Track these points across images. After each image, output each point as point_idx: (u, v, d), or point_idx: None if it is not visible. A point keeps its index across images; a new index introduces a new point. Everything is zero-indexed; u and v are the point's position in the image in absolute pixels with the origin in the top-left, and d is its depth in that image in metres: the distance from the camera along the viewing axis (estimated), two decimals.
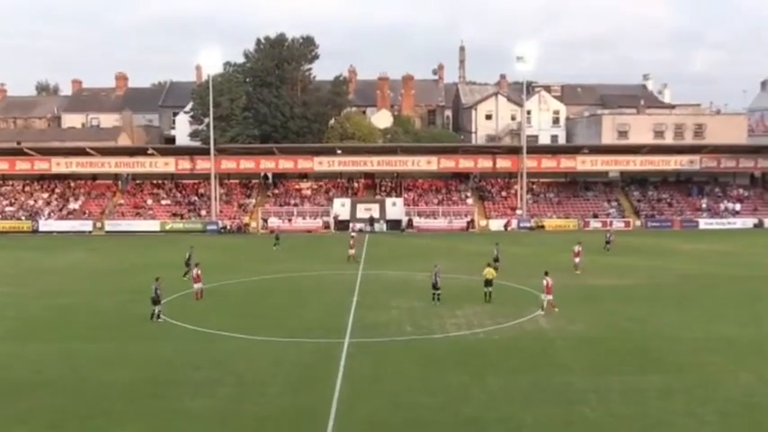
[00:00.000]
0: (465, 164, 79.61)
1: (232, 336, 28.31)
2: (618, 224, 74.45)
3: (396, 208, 76.06)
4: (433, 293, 34.42)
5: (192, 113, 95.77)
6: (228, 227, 73.35)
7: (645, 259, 50.29)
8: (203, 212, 76.77)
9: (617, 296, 36.21)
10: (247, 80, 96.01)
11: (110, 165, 79.53)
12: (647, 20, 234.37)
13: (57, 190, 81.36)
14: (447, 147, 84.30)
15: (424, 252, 51.43)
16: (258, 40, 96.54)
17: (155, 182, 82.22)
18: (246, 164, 79.12)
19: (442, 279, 35.17)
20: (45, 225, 74.30)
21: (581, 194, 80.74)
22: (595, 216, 75.40)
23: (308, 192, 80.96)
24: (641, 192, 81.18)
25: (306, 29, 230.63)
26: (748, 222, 74.85)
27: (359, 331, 28.88)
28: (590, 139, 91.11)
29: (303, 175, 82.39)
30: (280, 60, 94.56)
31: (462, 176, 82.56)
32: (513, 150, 79.45)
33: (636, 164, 79.27)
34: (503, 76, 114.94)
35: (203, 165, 77.01)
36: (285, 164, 79.55)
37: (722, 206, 77.65)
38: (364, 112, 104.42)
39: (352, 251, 50.09)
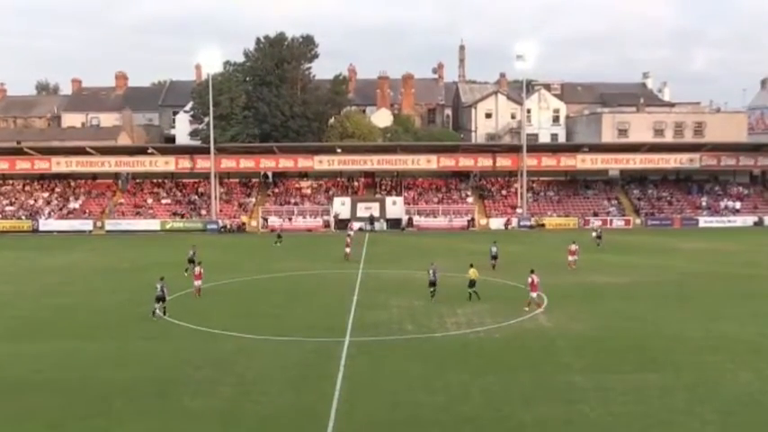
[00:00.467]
0: (465, 162, 79.62)
1: (232, 335, 28.32)
2: (618, 222, 74.52)
3: (396, 207, 76.06)
4: (431, 291, 34.76)
5: (191, 113, 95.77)
6: (228, 226, 73.36)
7: (645, 258, 50.29)
8: (203, 212, 76.79)
9: (617, 295, 36.22)
10: (247, 79, 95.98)
11: (110, 164, 79.52)
12: (647, 18, 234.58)
13: (57, 189, 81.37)
14: (447, 146, 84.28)
15: (425, 251, 51.38)
16: (258, 40, 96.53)
17: (155, 181, 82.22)
18: (246, 163, 79.14)
19: (439, 277, 35.34)
20: (45, 224, 74.31)
21: (581, 193, 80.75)
22: (595, 214, 75.40)
23: (308, 191, 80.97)
24: (641, 190, 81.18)
25: (305, 28, 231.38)
26: (748, 220, 74.87)
27: (359, 330, 28.89)
28: (590, 138, 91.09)
29: (303, 174, 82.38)
30: (279, 59, 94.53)
31: (462, 175, 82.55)
32: (513, 149, 79.44)
33: (636, 162, 79.29)
34: (502, 75, 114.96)
35: (203, 164, 77.01)
36: (285, 163, 79.56)
37: (722, 204, 77.65)
38: (364, 111, 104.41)
39: (348, 249, 50.46)
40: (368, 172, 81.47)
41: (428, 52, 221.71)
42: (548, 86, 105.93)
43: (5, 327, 30.57)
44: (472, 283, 34.64)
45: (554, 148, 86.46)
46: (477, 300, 34.05)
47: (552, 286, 37.70)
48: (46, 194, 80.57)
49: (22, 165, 79.65)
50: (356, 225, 69.97)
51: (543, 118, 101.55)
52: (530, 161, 76.87)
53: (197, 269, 37.66)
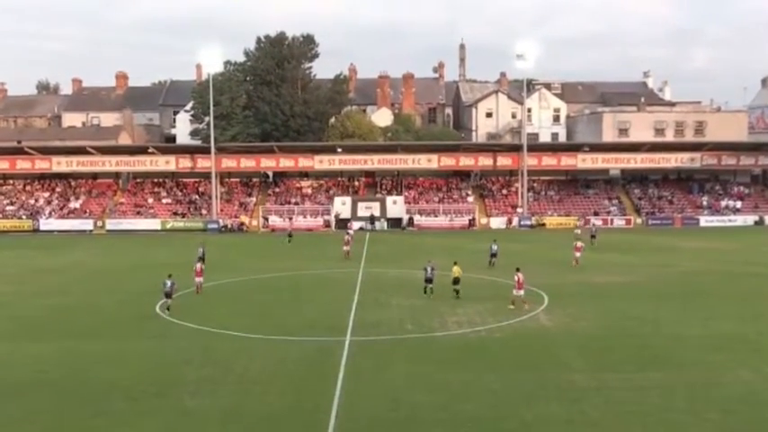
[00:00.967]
0: (465, 162, 79.66)
1: (233, 334, 28.31)
2: (619, 222, 74.56)
3: (396, 206, 76.09)
4: (428, 287, 35.22)
5: (192, 112, 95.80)
6: (229, 225, 73.39)
7: (646, 257, 50.29)
8: (204, 211, 76.82)
9: (618, 294, 36.21)
10: (248, 79, 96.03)
11: (110, 164, 79.62)
12: (647, 17, 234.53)
13: (57, 189, 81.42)
14: (448, 145, 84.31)
15: (425, 250, 51.34)
16: (258, 39, 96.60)
17: (155, 181, 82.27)
18: (247, 162, 79.22)
19: (436, 274, 35.60)
20: (46, 224, 74.38)
21: (582, 192, 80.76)
22: (596, 214, 75.41)
23: (309, 190, 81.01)
24: (642, 189, 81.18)
25: (306, 27, 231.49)
26: (749, 220, 74.89)
27: (360, 330, 28.87)
28: (590, 137, 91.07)
29: (304, 174, 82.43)
30: (280, 59, 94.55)
31: (463, 174, 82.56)
32: (514, 148, 79.46)
33: (636, 161, 79.33)
34: (503, 74, 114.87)
35: (204, 163, 77.07)
36: (286, 162, 79.62)
37: (723, 203, 77.65)
38: (365, 111, 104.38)
39: (347, 248, 50.73)
40: (368, 171, 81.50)
41: (428, 51, 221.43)
42: (548, 86, 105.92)
43: (5, 327, 30.55)
44: (456, 281, 34.97)
45: (555, 148, 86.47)
46: (458, 297, 34.39)
47: (553, 285, 37.77)
48: (46, 194, 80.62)
49: (23, 164, 79.73)
50: (356, 225, 69.99)
51: (544, 117, 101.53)
52: (530, 160, 76.87)
53: (198, 266, 37.85)
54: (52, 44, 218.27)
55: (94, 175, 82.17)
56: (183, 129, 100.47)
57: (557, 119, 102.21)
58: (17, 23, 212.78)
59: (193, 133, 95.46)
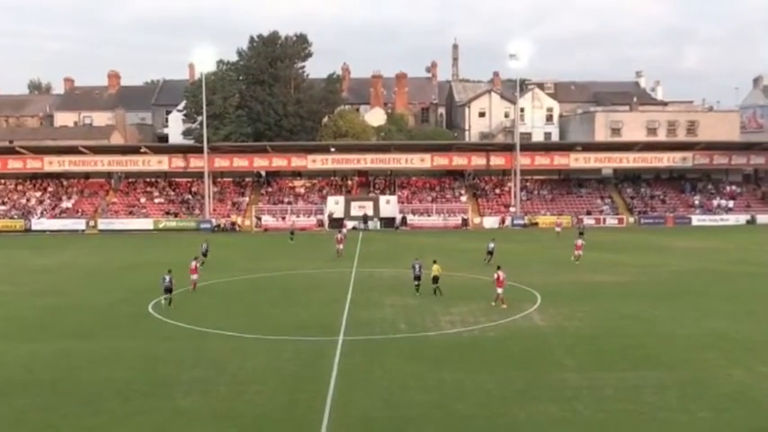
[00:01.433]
0: (458, 161, 79.75)
1: (226, 334, 28.26)
2: (611, 221, 74.75)
3: (390, 206, 76.12)
4: (416, 285, 35.67)
5: (185, 112, 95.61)
6: (222, 225, 73.27)
7: (638, 256, 50.42)
8: (197, 211, 76.66)
9: (611, 293, 36.28)
10: (240, 78, 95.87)
11: (102, 163, 79.42)
12: (640, 17, 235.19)
13: (49, 189, 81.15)
14: (440, 144, 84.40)
15: (418, 250, 51.33)
16: (251, 38, 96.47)
17: (148, 180, 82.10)
18: (240, 162, 79.11)
19: (424, 272, 35.95)
20: (38, 224, 74.14)
21: (574, 191, 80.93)
22: (589, 213, 75.59)
23: (302, 190, 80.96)
24: (634, 189, 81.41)
25: (299, 27, 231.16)
26: (741, 219, 75.20)
27: (353, 329, 28.86)
28: (583, 137, 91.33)
29: (297, 174, 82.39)
30: (273, 58, 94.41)
31: (456, 174, 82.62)
32: (507, 148, 79.57)
33: (629, 161, 79.60)
34: (496, 74, 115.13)
35: (196, 163, 76.93)
36: (279, 162, 79.56)
37: (715, 203, 77.93)
38: (358, 110, 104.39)
39: (339, 246, 51.19)
40: (361, 171, 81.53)
41: (421, 51, 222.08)
42: (541, 85, 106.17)
43: None
44: (435, 280, 35.24)
45: (547, 147, 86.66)
46: (436, 294, 34.62)
47: (546, 285, 37.85)
48: (38, 194, 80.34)
49: (15, 164, 79.44)
50: (350, 225, 70.03)
51: (537, 117, 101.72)
52: (523, 160, 76.99)
53: (193, 263, 37.84)
54: (44, 43, 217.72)
55: (86, 175, 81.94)
56: (175, 128, 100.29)
57: (549, 118, 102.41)
58: (8, 23, 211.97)
59: (186, 133, 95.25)
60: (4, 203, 78.39)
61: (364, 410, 19.87)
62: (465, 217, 74.47)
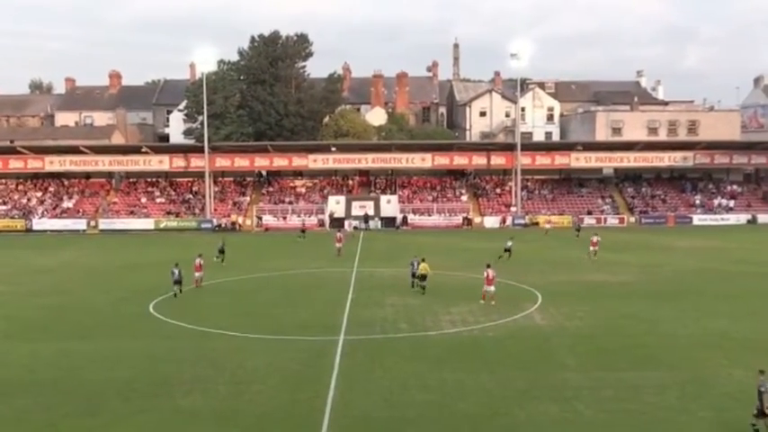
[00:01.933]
0: (459, 161, 79.75)
1: (227, 334, 28.26)
2: (612, 221, 74.75)
3: (390, 205, 76.14)
4: (413, 282, 36.08)
5: (185, 111, 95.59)
6: (223, 225, 73.28)
7: (639, 256, 50.39)
8: (198, 210, 76.68)
9: (611, 293, 36.27)
10: (241, 78, 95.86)
11: (103, 163, 79.44)
12: (640, 16, 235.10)
13: (50, 188, 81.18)
14: (441, 144, 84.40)
15: (419, 249, 51.33)
16: (252, 38, 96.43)
17: (149, 180, 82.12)
18: (241, 162, 79.12)
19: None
20: (39, 224, 74.18)
21: (575, 191, 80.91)
22: (589, 213, 75.57)
23: (303, 189, 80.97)
24: (635, 188, 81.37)
25: (300, 26, 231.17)
26: (742, 218, 75.18)
27: (354, 329, 28.85)
28: (584, 136, 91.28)
29: (298, 173, 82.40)
30: (274, 58, 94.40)
31: (457, 173, 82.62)
32: (508, 147, 79.57)
33: (630, 160, 79.58)
34: (497, 73, 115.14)
35: (197, 163, 76.94)
36: (280, 162, 79.56)
37: (716, 202, 77.91)
38: (358, 110, 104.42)
39: (339, 245, 51.53)
40: (362, 170, 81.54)
41: (422, 51, 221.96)
42: (542, 85, 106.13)
43: None
44: (422, 278, 35.45)
45: (548, 147, 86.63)
46: (422, 294, 35.05)
47: (547, 284, 37.84)
48: (39, 194, 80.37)
49: (16, 164, 79.47)
50: (348, 226, 70.08)
51: (537, 116, 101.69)
52: (524, 159, 76.99)
53: (197, 261, 38.07)
54: (45, 43, 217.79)
55: (87, 175, 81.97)
56: (176, 128, 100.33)
57: (550, 118, 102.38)
58: (10, 22, 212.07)
59: (187, 132, 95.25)
60: (5, 203, 78.43)
61: (365, 410, 19.87)
62: (468, 216, 74.45)
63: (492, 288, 32.99)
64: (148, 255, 53.60)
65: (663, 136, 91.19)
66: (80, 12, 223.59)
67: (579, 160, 79.14)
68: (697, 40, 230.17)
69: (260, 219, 74.57)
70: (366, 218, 73.23)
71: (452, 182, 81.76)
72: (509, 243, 47.88)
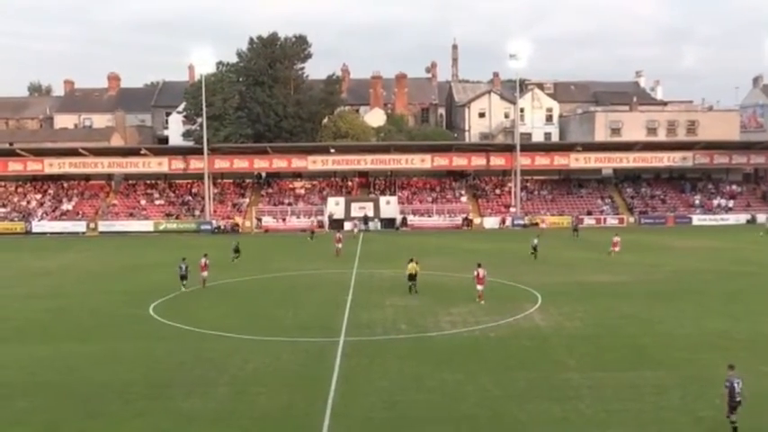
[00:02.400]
0: (459, 162, 79.72)
1: (226, 335, 28.26)
2: (611, 221, 74.72)
3: (390, 206, 76.12)
4: (410, 286, 35.95)
5: (184, 113, 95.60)
6: (223, 227, 73.24)
7: (638, 256, 50.36)
8: (197, 212, 76.64)
9: (611, 293, 36.26)
10: (240, 79, 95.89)
11: (103, 165, 79.38)
12: (639, 16, 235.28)
13: (49, 191, 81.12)
14: (440, 145, 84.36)
15: (419, 250, 51.35)
16: (251, 40, 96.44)
17: (148, 182, 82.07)
18: (240, 163, 79.07)
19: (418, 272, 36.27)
20: (38, 226, 74.10)
21: (575, 192, 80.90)
22: (589, 213, 75.55)
23: (302, 191, 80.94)
24: (634, 188, 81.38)
25: (298, 28, 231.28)
26: (741, 218, 75.16)
27: (354, 330, 28.85)
28: (583, 137, 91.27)
29: (297, 175, 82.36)
30: (272, 59, 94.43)
31: (456, 174, 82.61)
32: (507, 148, 79.57)
33: (629, 161, 79.56)
34: (496, 74, 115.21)
35: (196, 164, 76.90)
36: (279, 163, 79.52)
37: (715, 202, 77.92)
38: (357, 111, 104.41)
39: (339, 245, 51.89)
40: (362, 172, 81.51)
41: (421, 52, 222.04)
42: (541, 85, 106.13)
43: None
44: (411, 277, 35.73)
45: (547, 147, 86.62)
46: (415, 293, 35.21)
47: (546, 285, 37.83)
48: (39, 196, 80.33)
49: (15, 166, 79.41)
50: (347, 227, 70.06)
51: (536, 117, 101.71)
52: (523, 160, 76.98)
53: (203, 260, 38.18)
54: (44, 45, 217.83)
55: (87, 177, 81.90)
56: (175, 130, 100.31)
57: (549, 118, 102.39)
58: (8, 25, 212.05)
59: (186, 134, 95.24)
60: (4, 206, 78.37)
61: (365, 411, 19.87)
62: (468, 217, 74.45)
63: (480, 287, 33.25)
64: (148, 257, 53.57)
65: (662, 136, 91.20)
66: (79, 14, 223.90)
67: (578, 161, 79.12)
68: (696, 40, 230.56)
69: (259, 220, 74.55)
70: (365, 219, 73.19)
71: (452, 183, 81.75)
72: (535, 241, 48.72)
